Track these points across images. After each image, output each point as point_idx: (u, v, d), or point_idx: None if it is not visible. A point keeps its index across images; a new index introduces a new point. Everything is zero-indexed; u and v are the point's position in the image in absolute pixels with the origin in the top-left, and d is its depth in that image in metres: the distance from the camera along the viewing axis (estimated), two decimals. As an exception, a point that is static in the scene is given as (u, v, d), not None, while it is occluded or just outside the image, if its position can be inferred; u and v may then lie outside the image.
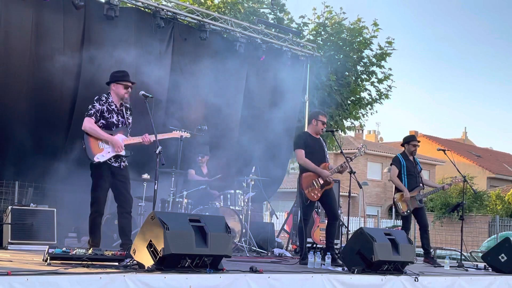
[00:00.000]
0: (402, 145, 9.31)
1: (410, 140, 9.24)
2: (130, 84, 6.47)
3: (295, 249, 9.94)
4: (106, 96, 6.44)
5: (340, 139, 16.59)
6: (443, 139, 43.16)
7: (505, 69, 75.83)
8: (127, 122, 6.48)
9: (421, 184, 9.14)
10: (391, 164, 9.33)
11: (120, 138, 6.34)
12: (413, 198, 8.94)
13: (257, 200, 10.94)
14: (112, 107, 6.41)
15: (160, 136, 6.47)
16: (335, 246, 7.74)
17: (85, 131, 6.26)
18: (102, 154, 6.23)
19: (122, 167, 6.40)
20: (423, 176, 9.41)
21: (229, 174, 10.43)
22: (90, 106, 6.33)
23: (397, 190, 9.10)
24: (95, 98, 6.39)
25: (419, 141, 9.34)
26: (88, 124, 6.25)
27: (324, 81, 13.45)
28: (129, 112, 6.59)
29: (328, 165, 7.60)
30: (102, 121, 6.33)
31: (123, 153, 6.32)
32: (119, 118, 6.44)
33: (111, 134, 6.32)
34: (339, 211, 10.19)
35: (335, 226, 7.63)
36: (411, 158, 9.19)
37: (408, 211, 8.95)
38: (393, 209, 29.64)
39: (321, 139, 7.87)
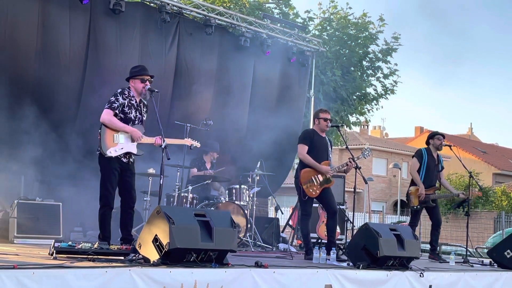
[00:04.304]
0: (427, 142, 9.13)
1: (434, 135, 9.08)
2: (147, 77, 6.35)
3: (300, 244, 9.94)
4: (128, 90, 6.36)
5: (345, 134, 16.57)
6: (448, 135, 42.94)
7: (511, 64, 75.53)
8: (143, 119, 6.35)
9: (437, 185, 9.03)
10: (412, 157, 9.19)
11: None
12: (426, 196, 8.83)
13: (262, 195, 10.94)
14: (132, 102, 6.33)
15: (170, 141, 6.34)
16: (340, 242, 7.73)
17: (103, 123, 6.13)
18: (115, 149, 6.13)
19: (129, 163, 6.33)
20: (443, 175, 9.24)
21: (235, 169, 10.43)
22: (113, 99, 6.18)
23: (414, 183, 9.00)
24: (119, 92, 6.26)
25: (443, 135, 9.14)
26: (107, 116, 6.11)
27: (329, 76, 13.43)
28: (145, 109, 6.46)
29: (329, 163, 7.58)
30: (120, 115, 6.21)
31: (134, 151, 6.25)
32: (137, 114, 6.35)
33: None
34: (344, 207, 10.21)
35: (335, 221, 7.61)
36: (435, 154, 9.04)
37: (418, 206, 8.87)
38: (398, 205, 29.66)
39: (327, 138, 7.80)
